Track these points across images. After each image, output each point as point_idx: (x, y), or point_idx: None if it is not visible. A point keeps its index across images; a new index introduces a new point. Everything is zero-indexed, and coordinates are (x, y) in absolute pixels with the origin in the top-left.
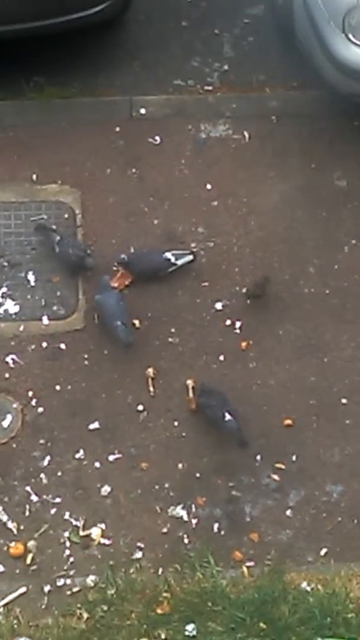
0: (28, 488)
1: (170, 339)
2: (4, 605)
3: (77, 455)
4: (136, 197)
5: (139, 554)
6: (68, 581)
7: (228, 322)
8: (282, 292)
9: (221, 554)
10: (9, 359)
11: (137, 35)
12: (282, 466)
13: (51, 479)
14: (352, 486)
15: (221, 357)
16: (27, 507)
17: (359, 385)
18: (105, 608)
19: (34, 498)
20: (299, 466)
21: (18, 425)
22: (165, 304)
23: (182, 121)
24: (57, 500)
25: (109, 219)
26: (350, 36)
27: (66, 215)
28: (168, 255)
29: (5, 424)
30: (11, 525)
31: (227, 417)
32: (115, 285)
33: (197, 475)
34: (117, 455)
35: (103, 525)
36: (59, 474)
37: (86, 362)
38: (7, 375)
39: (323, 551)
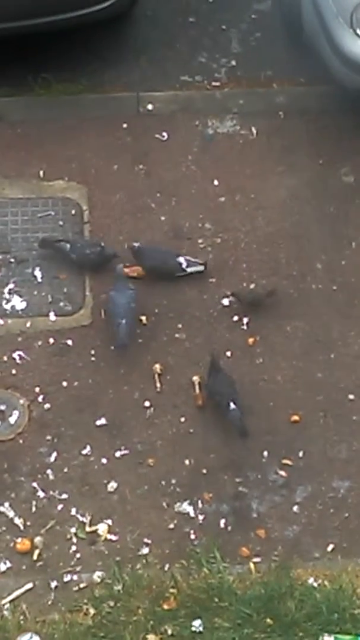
0: (35, 484)
1: (177, 335)
2: (11, 601)
3: (84, 451)
4: (143, 193)
5: (145, 550)
6: (75, 577)
7: (235, 318)
8: (290, 288)
9: (228, 550)
10: (15, 355)
11: (144, 31)
12: (289, 462)
13: (58, 475)
14: (359, 482)
15: (228, 353)
16: (34, 503)
17: None
18: (111, 604)
19: (41, 494)
20: (306, 462)
21: (25, 421)
22: (172, 300)
23: (190, 117)
24: (64, 496)
25: (116, 215)
26: (358, 31)
27: (73, 212)
28: (181, 259)
29: (12, 419)
30: (18, 521)
31: (232, 406)
32: (132, 274)
33: (204, 471)
34: (123, 451)
35: (110, 521)
36: (66, 470)
37: (93, 358)
38: (14, 371)
39: (330, 547)
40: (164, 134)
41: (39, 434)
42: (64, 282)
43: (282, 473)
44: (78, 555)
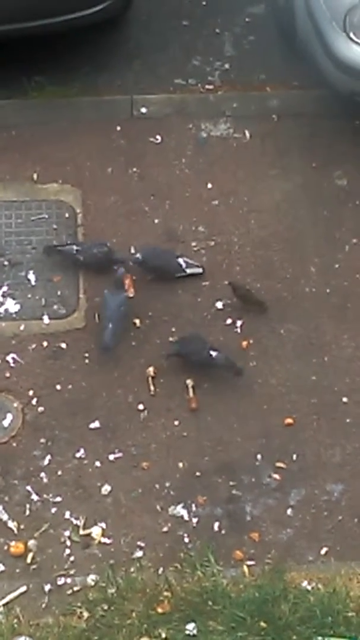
0: (28, 487)
1: (171, 338)
2: (5, 605)
3: (78, 455)
4: (137, 196)
5: (139, 553)
6: (68, 580)
7: (229, 321)
8: (283, 291)
9: (222, 553)
10: (9, 358)
11: (138, 34)
12: (283, 465)
13: (51, 478)
14: (353, 485)
15: None
16: (28, 506)
17: None
18: (105, 607)
19: (35, 497)
20: (299, 465)
21: (18, 425)
22: (166, 303)
23: (183, 120)
24: (58, 499)
25: (110, 218)
26: (352, 35)
27: (67, 215)
28: (181, 260)
29: (6, 423)
30: (11, 524)
31: (213, 353)
32: (130, 292)
33: (198, 474)
34: (117, 455)
35: (103, 525)
36: (60, 473)
37: (87, 361)
38: (7, 374)
39: (324, 550)
40: (158, 137)
41: (32, 437)
42: (57, 285)
43: (276, 476)
44: (72, 559)
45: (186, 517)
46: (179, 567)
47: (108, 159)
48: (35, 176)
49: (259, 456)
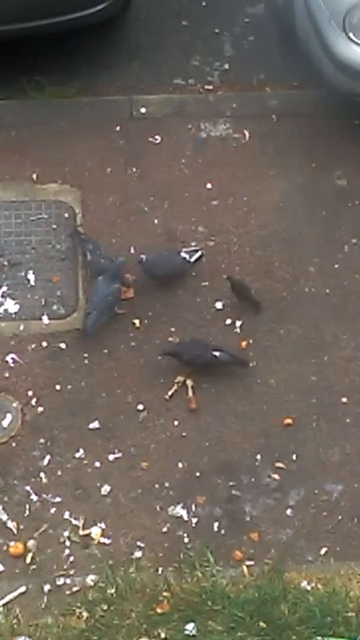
0: (28, 487)
1: (170, 339)
2: (4, 605)
3: (77, 455)
4: (136, 196)
5: (138, 553)
6: (68, 580)
7: (228, 321)
8: (283, 291)
9: (221, 553)
10: (8, 358)
11: (137, 35)
12: (282, 465)
13: (51, 478)
14: (353, 485)
15: None
16: (27, 506)
17: None
18: (105, 607)
19: (34, 497)
20: (299, 465)
21: (18, 425)
22: (165, 303)
23: (183, 120)
24: (57, 499)
25: (109, 218)
26: (351, 35)
27: (66, 215)
28: (183, 254)
29: (5, 423)
30: (11, 524)
31: (217, 353)
32: (129, 294)
33: (197, 474)
34: (117, 455)
35: (103, 525)
36: (59, 473)
37: (86, 362)
38: (7, 374)
39: (323, 550)
40: (157, 137)
41: (32, 438)
42: (57, 285)
43: (276, 476)
44: (71, 559)
45: (185, 517)
46: (178, 567)
47: (107, 159)
48: (34, 176)
49: (258, 456)
